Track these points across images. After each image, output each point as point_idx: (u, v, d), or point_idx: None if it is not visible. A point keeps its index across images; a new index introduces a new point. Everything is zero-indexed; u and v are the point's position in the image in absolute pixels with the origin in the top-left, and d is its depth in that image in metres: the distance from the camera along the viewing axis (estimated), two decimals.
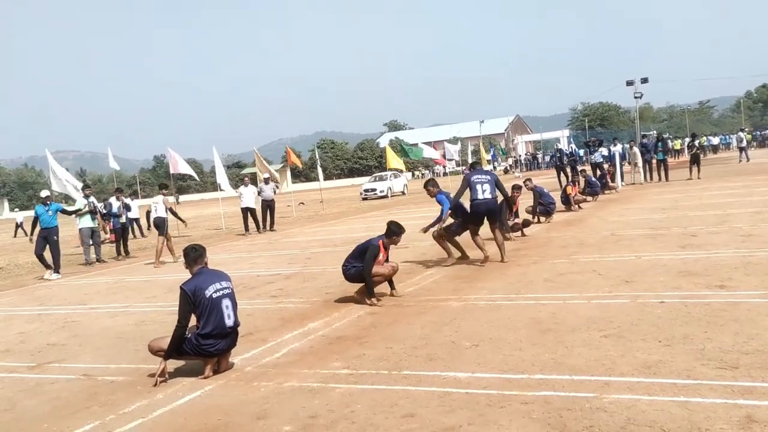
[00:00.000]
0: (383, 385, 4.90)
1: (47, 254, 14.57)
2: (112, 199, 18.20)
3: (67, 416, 5.01)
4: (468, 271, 9.63)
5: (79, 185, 18.15)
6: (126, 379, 5.87)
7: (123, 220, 17.85)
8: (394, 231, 8.11)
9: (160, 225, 15.44)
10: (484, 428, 3.87)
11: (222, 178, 24.55)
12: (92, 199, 16.79)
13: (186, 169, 23.69)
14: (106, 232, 19.01)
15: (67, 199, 28.28)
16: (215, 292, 5.64)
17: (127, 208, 18.33)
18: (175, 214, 15.91)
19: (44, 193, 15.21)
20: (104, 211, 17.76)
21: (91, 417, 4.91)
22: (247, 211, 21.08)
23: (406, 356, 5.58)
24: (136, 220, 24.41)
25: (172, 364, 5.81)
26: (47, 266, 14.58)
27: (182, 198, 70.28)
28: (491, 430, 3.84)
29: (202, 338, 5.55)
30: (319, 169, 34.74)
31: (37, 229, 14.56)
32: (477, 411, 4.16)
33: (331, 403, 4.64)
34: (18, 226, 36.17)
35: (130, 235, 21.80)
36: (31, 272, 16.27)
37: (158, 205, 15.75)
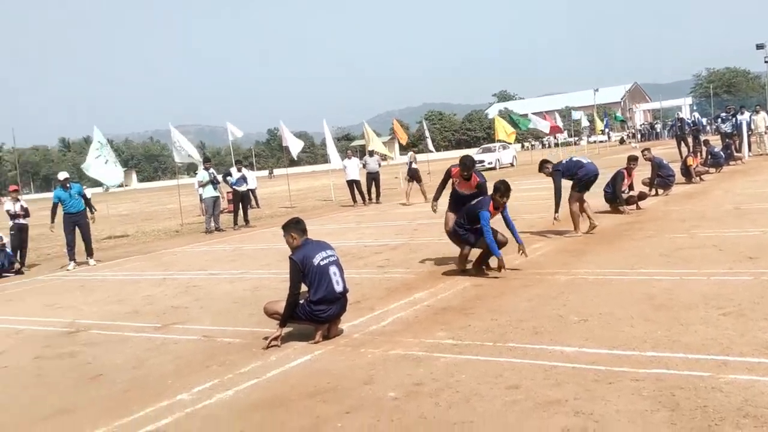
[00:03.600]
0: (488, 356, 4.91)
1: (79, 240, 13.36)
2: (233, 170, 19.03)
3: (189, 374, 5.36)
4: (577, 244, 9.39)
5: (199, 158, 19.14)
6: (242, 341, 6.19)
7: (243, 189, 18.58)
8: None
9: (414, 175, 20.68)
10: (591, 403, 3.81)
11: (332, 150, 25.02)
12: (212, 170, 17.66)
13: (292, 143, 24.28)
14: (227, 202, 19.95)
15: (189, 170, 29.69)
16: (322, 260, 5.83)
17: (244, 179, 19.08)
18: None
19: (62, 176, 13.46)
20: (225, 181, 18.58)
21: (210, 376, 5.24)
22: (352, 183, 21.43)
23: (512, 329, 5.55)
24: (253, 190, 25.39)
25: (285, 328, 6.07)
26: (72, 257, 13.15)
27: (292, 171, 71.86)
28: (598, 405, 3.78)
29: (313, 304, 5.75)
30: (429, 141, 34.49)
31: (60, 215, 13.13)
32: (584, 386, 4.09)
33: (435, 371, 4.70)
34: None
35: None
36: (156, 239, 17.37)
37: (412, 160, 21.21)
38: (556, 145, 68.31)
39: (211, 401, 4.68)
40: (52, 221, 13.37)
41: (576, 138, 79.79)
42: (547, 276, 7.48)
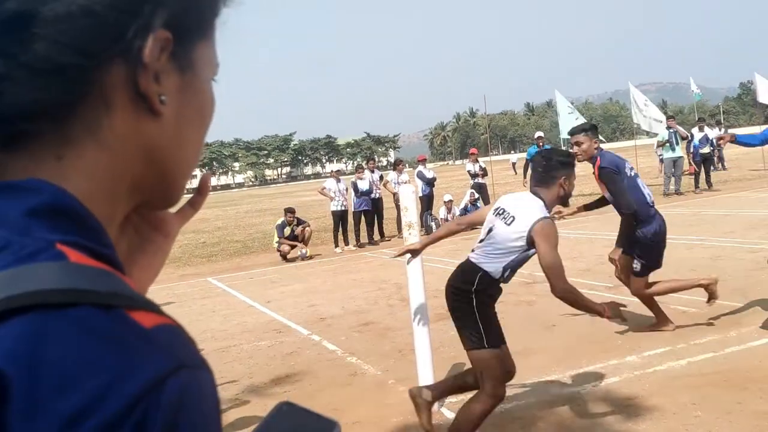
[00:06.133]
0: None
1: None
2: (694, 130, 17.82)
3: (639, 337, 5.31)
4: None
5: (662, 117, 18.30)
6: (698, 311, 5.84)
7: (705, 150, 17.28)
8: None
9: None
10: None
11: None
12: (674, 130, 16.68)
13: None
14: (688, 164, 18.80)
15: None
16: None
17: (706, 139, 17.66)
18: None
19: (537, 134, 15.13)
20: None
21: (662, 342, 5.10)
22: None
23: None
24: (719, 150, 23.47)
25: (749, 305, 5.51)
26: None
27: None
28: None
29: None
30: None
31: (529, 172, 14.63)
32: None
33: None
34: (513, 165, 41.60)
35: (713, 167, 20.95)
36: None
37: None
38: None
39: (662, 368, 4.56)
40: (525, 176, 14.63)
41: None
42: None
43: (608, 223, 12.83)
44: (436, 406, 4.27)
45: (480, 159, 16.07)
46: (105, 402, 0.38)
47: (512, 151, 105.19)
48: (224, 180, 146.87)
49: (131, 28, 0.48)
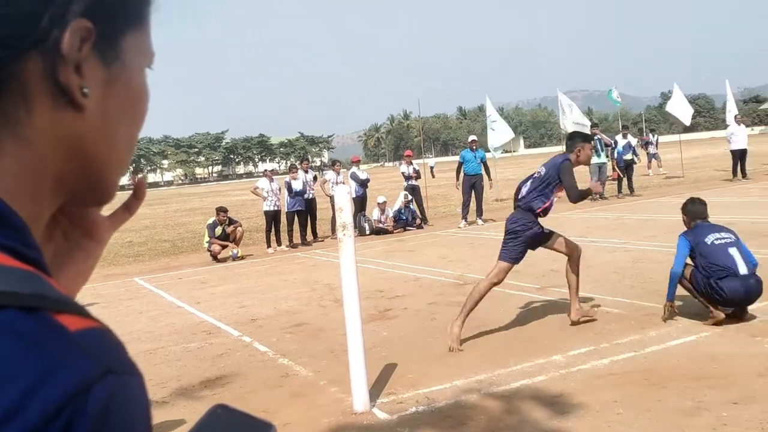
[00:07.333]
0: None
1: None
2: (618, 137, 18.49)
3: (565, 337, 5.46)
4: None
5: (588, 124, 18.89)
6: (620, 312, 6.05)
7: (628, 157, 17.99)
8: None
9: None
10: None
11: (730, 115, 22.35)
12: (599, 136, 17.23)
13: (677, 109, 22.18)
14: (611, 169, 19.48)
15: None
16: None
17: (630, 146, 18.37)
18: None
19: (471, 137, 14.92)
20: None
21: (586, 342, 5.25)
22: (737, 154, 18.82)
23: None
24: (654, 155, 24.98)
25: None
26: (464, 216, 14.34)
27: (686, 137, 66.25)
28: None
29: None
30: None
31: (462, 175, 14.25)
32: None
33: None
34: (431, 169, 42.42)
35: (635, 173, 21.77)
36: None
37: None
38: None
39: (586, 366, 4.70)
40: (457, 179, 14.50)
41: None
42: None
43: None
44: (368, 405, 4.28)
45: (414, 161, 16.16)
46: (27, 408, 0.36)
47: (430, 155, 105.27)
48: (152, 178, 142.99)
49: (45, 18, 0.46)
